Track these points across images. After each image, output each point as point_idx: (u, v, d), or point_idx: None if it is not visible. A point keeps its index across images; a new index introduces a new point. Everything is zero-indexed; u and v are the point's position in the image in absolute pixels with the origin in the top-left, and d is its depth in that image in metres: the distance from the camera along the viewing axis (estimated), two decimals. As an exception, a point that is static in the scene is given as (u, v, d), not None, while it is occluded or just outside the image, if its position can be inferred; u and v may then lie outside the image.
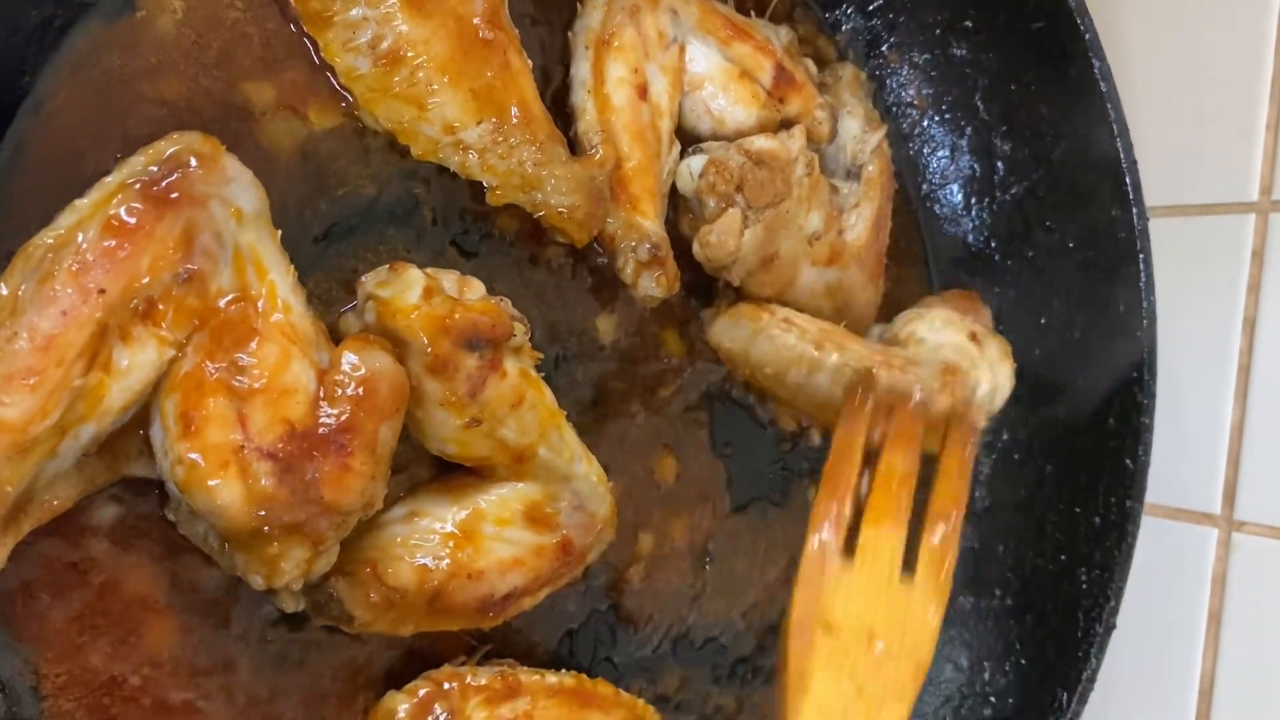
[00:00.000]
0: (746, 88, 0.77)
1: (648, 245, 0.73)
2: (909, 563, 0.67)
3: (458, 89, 0.64)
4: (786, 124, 0.79)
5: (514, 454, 0.67)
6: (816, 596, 0.63)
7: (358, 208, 0.67)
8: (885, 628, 0.63)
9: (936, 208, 0.94)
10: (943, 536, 0.67)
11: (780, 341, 0.78)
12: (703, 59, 0.76)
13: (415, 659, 0.70)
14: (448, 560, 0.65)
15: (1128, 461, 0.88)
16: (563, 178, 0.68)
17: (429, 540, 0.66)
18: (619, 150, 0.72)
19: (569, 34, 0.73)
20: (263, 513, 0.56)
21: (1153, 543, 0.94)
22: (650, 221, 0.73)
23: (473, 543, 0.66)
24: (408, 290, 0.62)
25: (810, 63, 0.82)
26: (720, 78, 0.76)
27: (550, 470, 0.69)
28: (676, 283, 0.75)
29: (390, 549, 0.65)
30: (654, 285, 0.74)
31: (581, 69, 0.72)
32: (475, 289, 0.66)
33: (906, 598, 0.64)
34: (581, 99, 0.72)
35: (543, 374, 0.70)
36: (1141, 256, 0.85)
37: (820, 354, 0.77)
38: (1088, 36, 0.81)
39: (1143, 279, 0.85)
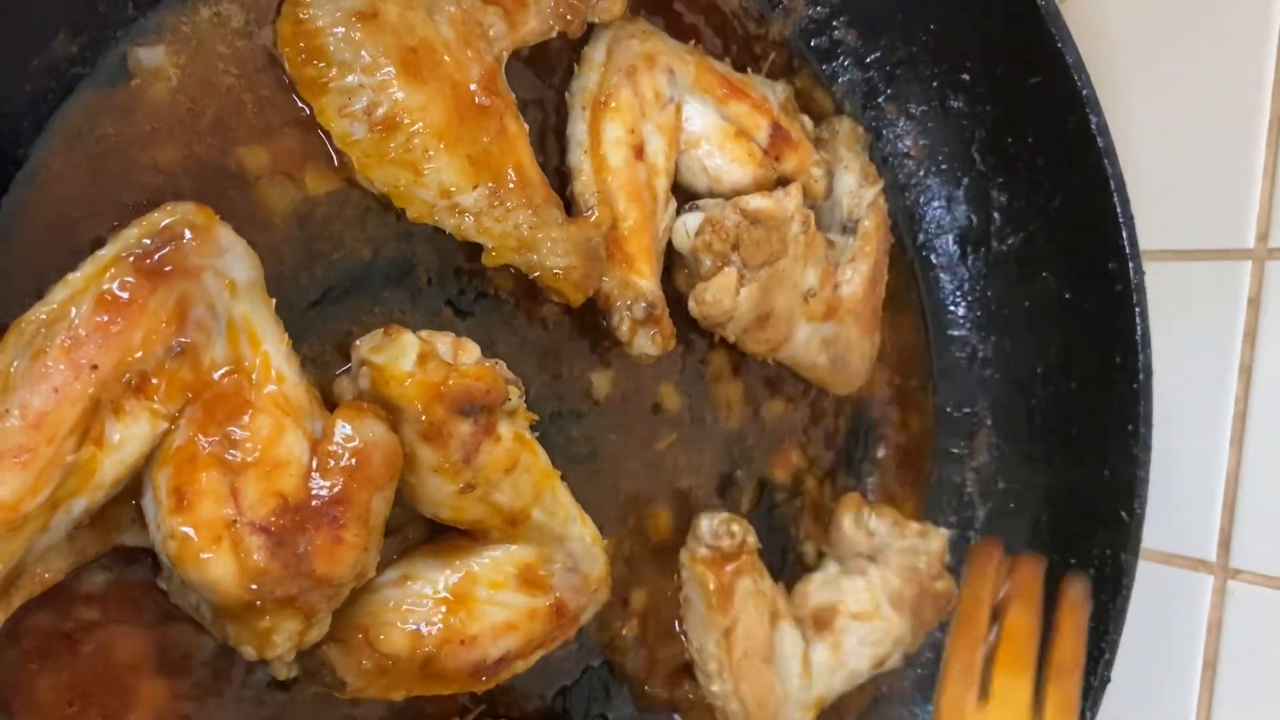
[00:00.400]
0: (743, 146, 0.77)
1: (643, 304, 0.73)
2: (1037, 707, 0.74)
3: (454, 154, 0.64)
4: (783, 181, 0.79)
5: (508, 517, 0.67)
6: None
7: (353, 270, 0.67)
8: None
9: (933, 257, 0.94)
10: (1068, 689, 0.75)
11: None
12: (699, 118, 0.76)
13: (408, 720, 0.70)
14: (440, 625, 0.65)
15: (1123, 514, 0.88)
16: (559, 240, 0.68)
17: (421, 605, 0.66)
18: (615, 210, 0.72)
19: (565, 95, 0.73)
20: (255, 586, 0.56)
21: (1149, 587, 0.94)
22: (646, 280, 0.73)
23: (465, 607, 0.66)
24: (402, 356, 0.62)
25: (806, 119, 0.82)
26: (716, 136, 0.76)
27: (544, 532, 0.69)
28: (672, 340, 0.75)
29: (382, 614, 0.65)
30: (649, 344, 0.74)
31: (578, 129, 0.72)
32: (470, 352, 0.66)
33: None
34: (578, 159, 0.72)
35: (538, 432, 0.69)
36: (1138, 310, 0.85)
37: None
38: (1085, 92, 0.81)
39: (1139, 332, 0.85)
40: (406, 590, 0.66)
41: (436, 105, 0.63)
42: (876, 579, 0.82)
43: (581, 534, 0.70)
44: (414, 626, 0.65)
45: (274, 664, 0.61)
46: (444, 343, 0.65)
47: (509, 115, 0.66)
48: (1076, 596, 0.80)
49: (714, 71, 0.76)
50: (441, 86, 0.63)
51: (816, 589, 0.83)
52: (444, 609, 0.66)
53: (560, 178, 0.73)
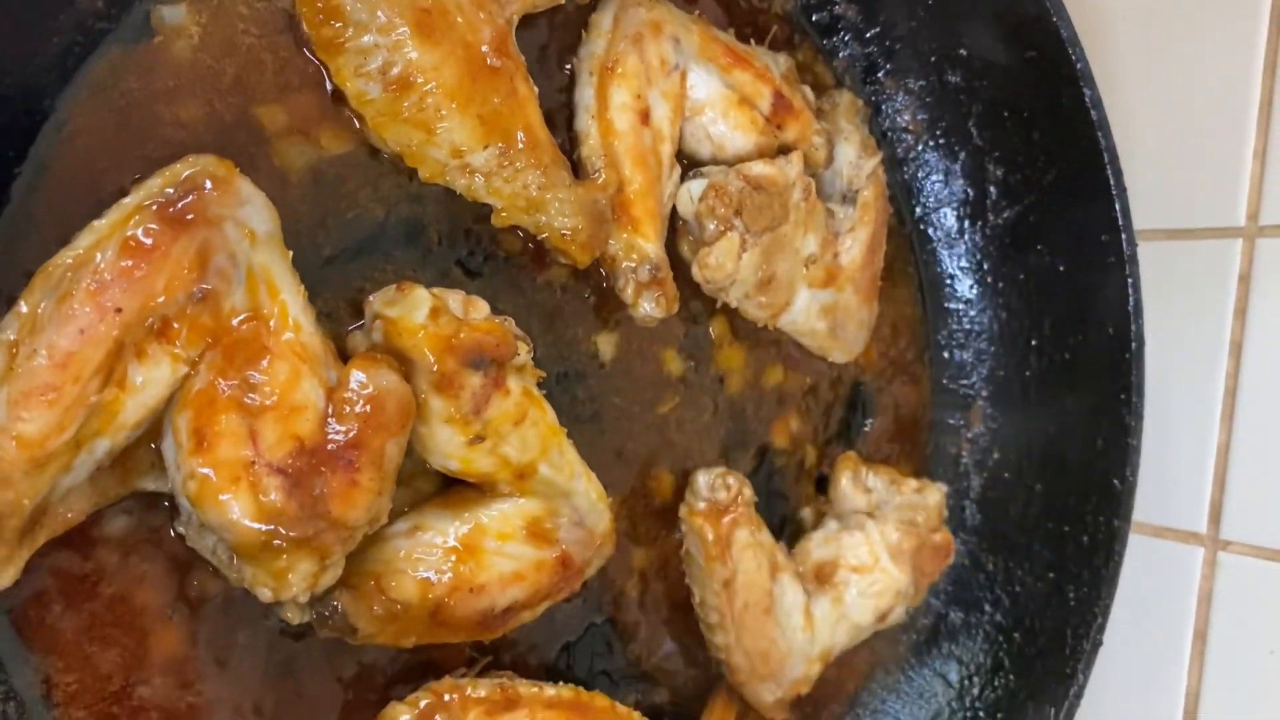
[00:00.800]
0: (746, 114, 0.79)
1: (648, 266, 0.75)
2: None
3: (465, 114, 0.65)
4: (784, 149, 0.81)
5: (516, 470, 0.68)
6: None
7: (366, 229, 0.68)
8: None
9: (931, 230, 0.96)
10: None
11: None
12: (703, 85, 0.78)
13: (416, 670, 0.71)
14: (449, 574, 0.67)
15: (1115, 482, 0.90)
16: (566, 201, 0.70)
17: (431, 554, 0.67)
18: (621, 174, 0.73)
19: (573, 60, 0.74)
20: (272, 526, 0.58)
21: (1140, 560, 0.96)
22: (651, 243, 0.75)
23: (474, 557, 0.68)
24: (415, 310, 0.64)
25: (808, 89, 0.84)
26: (720, 104, 0.78)
27: (551, 487, 0.70)
28: (675, 303, 0.77)
29: (393, 562, 0.67)
30: (653, 306, 0.76)
31: (586, 94, 0.73)
32: (480, 309, 0.68)
33: None
34: (585, 124, 0.73)
35: (544, 391, 0.71)
36: (1130, 281, 0.87)
37: None
38: (1079, 66, 0.83)
39: (1131, 303, 0.87)
40: (417, 540, 0.68)
41: (449, 66, 0.64)
42: (875, 534, 0.84)
43: (587, 490, 0.72)
44: (424, 574, 0.66)
45: (287, 607, 0.63)
46: (455, 299, 0.67)
47: (519, 77, 0.67)
48: None
49: (718, 40, 0.78)
50: (454, 48, 0.64)
51: (817, 546, 0.84)
52: (453, 558, 0.67)
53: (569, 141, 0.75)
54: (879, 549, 0.83)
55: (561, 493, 0.71)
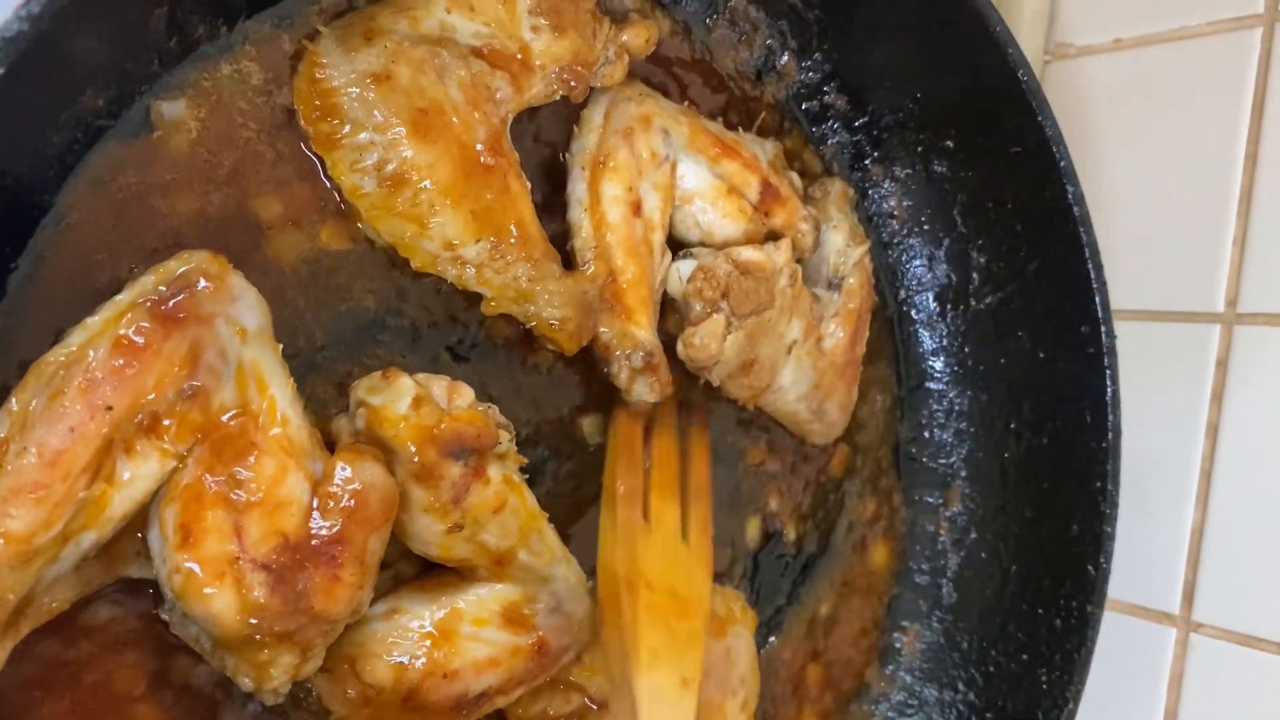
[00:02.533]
0: (734, 202, 0.80)
1: (641, 353, 0.76)
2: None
3: (459, 210, 0.67)
4: (772, 234, 0.82)
5: (494, 557, 0.69)
6: (634, 557, 0.73)
7: (358, 317, 0.70)
8: (681, 582, 0.75)
9: (913, 313, 0.98)
10: (702, 510, 0.80)
11: None
12: (693, 175, 0.79)
13: (392, 751, 0.72)
14: (424, 659, 0.68)
15: (1090, 568, 0.91)
16: (555, 292, 0.71)
17: (407, 638, 0.68)
18: (613, 264, 0.75)
19: (565, 155, 0.76)
20: (255, 621, 0.59)
21: (1113, 637, 0.97)
22: (644, 331, 0.76)
23: (450, 642, 0.69)
24: (398, 400, 0.65)
25: (795, 176, 0.86)
26: (709, 193, 0.80)
27: (529, 572, 0.71)
28: (670, 387, 0.78)
29: (369, 646, 0.67)
30: (647, 390, 0.77)
31: (578, 188, 0.75)
32: (464, 396, 0.69)
33: (688, 557, 0.77)
34: (578, 216, 0.75)
35: (527, 475, 0.72)
36: (1109, 373, 0.88)
37: None
38: (1063, 164, 0.84)
39: (1109, 394, 0.88)
40: (394, 624, 0.68)
41: (444, 164, 0.66)
42: None
43: (566, 575, 0.73)
44: (399, 659, 0.67)
45: (264, 692, 0.64)
46: (439, 386, 0.68)
47: (512, 174, 0.69)
48: (698, 425, 0.84)
49: (707, 131, 0.79)
50: (449, 146, 0.66)
51: None
52: (429, 643, 0.68)
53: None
54: None
55: (540, 578, 0.72)
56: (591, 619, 0.75)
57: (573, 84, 0.71)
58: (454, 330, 0.73)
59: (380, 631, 0.68)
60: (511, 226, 0.69)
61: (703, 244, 0.82)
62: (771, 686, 0.92)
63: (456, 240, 0.67)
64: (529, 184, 0.71)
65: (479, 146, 0.67)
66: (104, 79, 0.60)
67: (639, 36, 0.75)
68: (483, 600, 0.71)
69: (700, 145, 0.79)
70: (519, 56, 0.69)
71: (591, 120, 0.75)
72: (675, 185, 0.79)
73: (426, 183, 0.65)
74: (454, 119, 0.66)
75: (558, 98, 0.72)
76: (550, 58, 0.70)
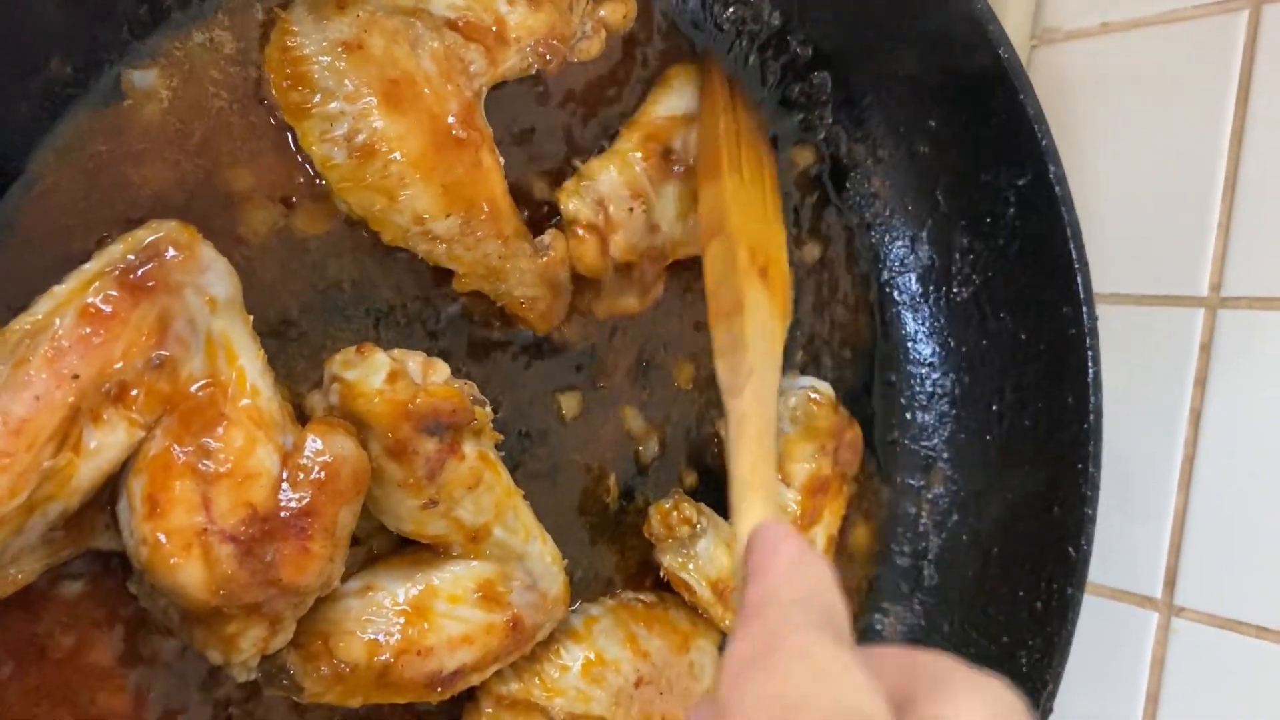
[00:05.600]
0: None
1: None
2: None
3: (429, 183, 0.66)
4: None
5: (469, 534, 0.69)
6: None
7: (330, 290, 0.69)
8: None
9: (896, 294, 0.97)
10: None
11: None
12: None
13: (365, 729, 0.72)
14: (398, 636, 0.67)
15: (1070, 550, 0.90)
16: (526, 270, 0.71)
17: (381, 615, 0.68)
18: None
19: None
20: (223, 593, 0.58)
21: (1094, 621, 0.97)
22: None
23: (424, 619, 0.68)
24: (372, 374, 0.65)
25: None
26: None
27: (505, 549, 0.71)
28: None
29: (343, 622, 0.67)
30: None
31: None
32: (440, 371, 0.68)
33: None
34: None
35: (503, 453, 0.72)
36: (1090, 354, 0.88)
37: None
38: (1044, 143, 0.84)
39: (1090, 375, 0.88)
40: (368, 600, 0.68)
41: (415, 136, 0.65)
42: None
43: (541, 553, 0.73)
44: (372, 636, 0.67)
45: (235, 667, 0.64)
46: (414, 361, 0.68)
47: (485, 149, 0.68)
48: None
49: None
50: (420, 118, 0.65)
51: None
52: (403, 620, 0.68)
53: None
54: None
55: (515, 555, 0.72)
56: (564, 597, 0.74)
57: (548, 57, 0.70)
58: (429, 307, 0.73)
59: (354, 608, 0.68)
60: (483, 202, 0.68)
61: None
62: (752, 668, 0.92)
63: (426, 214, 0.67)
64: (502, 160, 0.70)
65: (451, 119, 0.66)
66: (70, 46, 0.59)
67: (616, 11, 0.74)
68: (458, 577, 0.70)
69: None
70: (494, 29, 0.68)
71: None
72: None
73: (396, 154, 0.65)
74: (426, 90, 0.65)
75: (533, 71, 0.71)
76: (526, 31, 0.69)
